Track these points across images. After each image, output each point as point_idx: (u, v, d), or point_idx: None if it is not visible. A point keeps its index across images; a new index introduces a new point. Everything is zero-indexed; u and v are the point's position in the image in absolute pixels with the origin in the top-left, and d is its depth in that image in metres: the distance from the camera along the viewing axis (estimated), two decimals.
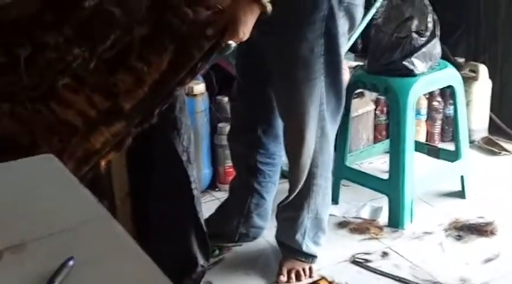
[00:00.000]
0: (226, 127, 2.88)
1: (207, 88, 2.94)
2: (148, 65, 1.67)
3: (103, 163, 1.68)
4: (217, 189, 3.01)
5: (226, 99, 2.98)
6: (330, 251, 2.42)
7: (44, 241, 0.90)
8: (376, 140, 3.28)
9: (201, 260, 2.03)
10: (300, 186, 2.25)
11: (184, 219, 1.98)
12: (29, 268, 0.83)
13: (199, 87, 2.85)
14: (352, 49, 3.26)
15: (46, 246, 0.89)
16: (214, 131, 2.99)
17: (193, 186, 1.96)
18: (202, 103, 2.88)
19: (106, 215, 0.97)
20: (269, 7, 1.75)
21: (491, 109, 3.46)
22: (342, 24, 2.04)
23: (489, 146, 3.36)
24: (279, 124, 2.31)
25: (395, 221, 2.62)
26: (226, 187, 2.85)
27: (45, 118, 1.64)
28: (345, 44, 2.14)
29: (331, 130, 2.22)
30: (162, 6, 1.74)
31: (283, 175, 2.59)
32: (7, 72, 1.67)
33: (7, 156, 1.54)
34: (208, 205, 2.65)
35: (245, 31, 1.73)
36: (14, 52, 1.70)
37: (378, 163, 3.10)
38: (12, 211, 0.97)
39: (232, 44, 1.73)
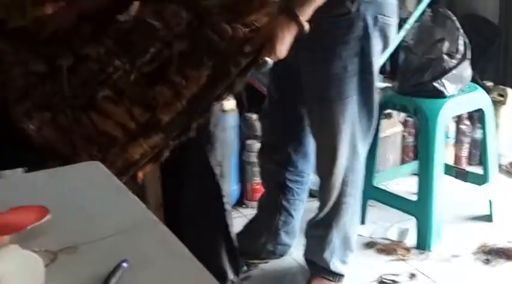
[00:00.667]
0: (254, 144, 2.91)
1: (237, 104, 2.97)
2: (186, 79, 1.71)
3: (141, 174, 1.71)
4: (244, 206, 3.02)
5: (255, 116, 3.00)
6: (356, 271, 2.41)
7: (96, 244, 0.93)
8: (403, 161, 3.28)
9: (230, 275, 2.05)
10: (330, 204, 2.26)
11: (216, 233, 2.00)
12: (82, 270, 0.86)
13: (229, 103, 2.87)
14: (381, 70, 3.25)
15: (97, 249, 0.92)
16: (242, 148, 3.01)
17: (225, 200, 1.98)
18: (232, 120, 2.90)
19: (154, 220, 1.00)
20: (306, 26, 1.79)
21: None
22: (376, 43, 2.06)
23: None
24: (309, 142, 2.33)
25: (423, 243, 2.61)
26: (254, 204, 2.87)
27: (85, 128, 1.69)
28: (378, 63, 2.15)
29: (362, 149, 2.23)
30: (202, 22, 1.78)
31: (310, 194, 2.60)
32: (50, 82, 1.72)
33: (48, 163, 1.60)
34: (235, 222, 2.63)
35: (282, 49, 1.75)
36: (56, 63, 1.75)
37: (404, 185, 3.08)
38: (63, 214, 1.00)
39: (269, 61, 1.75)
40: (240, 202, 3.04)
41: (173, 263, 0.89)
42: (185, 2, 1.84)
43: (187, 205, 1.96)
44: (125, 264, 0.85)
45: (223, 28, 1.74)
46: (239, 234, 2.46)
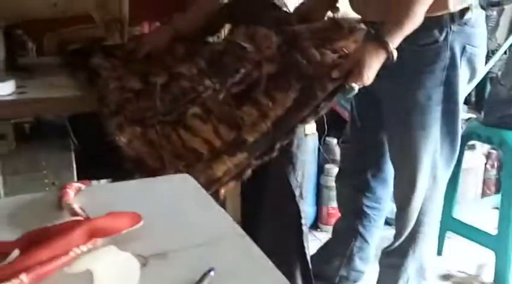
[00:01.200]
0: (333, 169, 2.93)
1: (317, 128, 3.00)
2: (273, 101, 1.74)
3: (223, 191, 1.75)
4: (319, 229, 3.04)
5: (335, 141, 3.03)
6: None
7: (184, 252, 0.96)
8: (484, 194, 3.22)
9: None
10: (406, 233, 2.24)
11: (292, 253, 2.02)
12: (171, 275, 0.89)
13: (309, 126, 2.90)
14: (466, 101, 3.23)
15: (186, 257, 0.95)
16: (320, 171, 3.04)
17: (303, 221, 2.00)
18: (311, 143, 2.93)
19: (242, 233, 1.04)
20: (395, 53, 1.79)
21: None
22: (463, 74, 2.04)
23: None
24: (389, 169, 2.31)
25: (501, 279, 2.56)
26: (328, 228, 2.88)
27: (173, 144, 1.73)
28: (464, 93, 2.13)
29: (443, 179, 2.20)
30: (291, 46, 1.82)
31: (386, 221, 2.58)
32: (143, 98, 1.78)
33: (136, 175, 1.67)
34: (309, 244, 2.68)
35: (369, 75, 1.77)
36: (150, 80, 1.82)
37: (484, 218, 3.02)
38: (155, 222, 1.03)
39: (356, 86, 1.76)
40: (314, 226, 3.06)
41: (257, 275, 0.92)
42: (276, 27, 1.90)
43: (265, 223, 1.99)
44: (211, 273, 0.88)
45: (312, 53, 1.77)
46: (313, 257, 2.46)
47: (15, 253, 0.92)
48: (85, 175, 1.81)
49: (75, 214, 1.06)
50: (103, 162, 1.93)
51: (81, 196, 1.15)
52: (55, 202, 1.13)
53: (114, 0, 2.01)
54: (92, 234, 0.97)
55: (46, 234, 0.96)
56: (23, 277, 0.86)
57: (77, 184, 1.18)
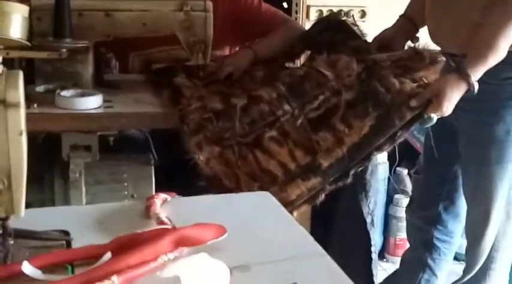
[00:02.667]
0: (402, 199, 2.91)
1: (388, 157, 2.98)
2: (349, 127, 1.75)
3: (295, 214, 1.77)
4: (385, 260, 3.01)
5: (405, 171, 3.01)
6: None
7: (267, 265, 1.00)
8: None
9: None
10: (476, 269, 2.21)
11: (360, 281, 2.02)
12: None
13: (381, 155, 2.89)
14: None
15: (268, 271, 0.99)
16: (389, 201, 3.02)
17: (372, 249, 2.01)
18: (381, 172, 2.92)
19: (322, 252, 1.06)
20: (476, 86, 1.80)
21: None
22: None
23: None
24: (462, 203, 2.27)
25: None
26: (395, 259, 2.86)
27: (250, 165, 1.76)
28: None
29: None
30: (371, 74, 1.83)
31: (454, 257, 2.54)
32: (223, 119, 1.80)
33: (211, 193, 1.70)
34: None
35: (449, 106, 1.77)
36: (230, 101, 1.86)
37: None
38: (237, 235, 1.07)
39: (434, 117, 1.77)
40: (380, 256, 3.02)
41: None
42: (357, 55, 1.92)
43: (334, 249, 2.00)
44: None
45: (391, 81, 1.79)
46: None
47: (107, 255, 0.97)
48: (159, 189, 1.86)
49: (162, 223, 1.11)
50: (178, 178, 1.97)
51: (167, 206, 1.20)
52: (142, 211, 1.18)
53: (199, 23, 2.06)
54: (179, 243, 1.01)
55: (136, 240, 1.01)
56: (114, 278, 0.91)
57: (163, 195, 1.23)
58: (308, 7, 3.08)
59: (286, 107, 1.82)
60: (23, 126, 0.91)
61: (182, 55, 2.16)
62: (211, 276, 0.90)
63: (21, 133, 0.91)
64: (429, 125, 1.83)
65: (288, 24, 2.40)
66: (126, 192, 1.89)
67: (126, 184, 1.89)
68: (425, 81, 1.83)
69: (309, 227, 2.07)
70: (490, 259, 2.20)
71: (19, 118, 0.91)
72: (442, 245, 2.38)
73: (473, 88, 1.81)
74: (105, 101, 1.90)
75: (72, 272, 0.97)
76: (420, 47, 2.05)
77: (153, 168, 1.93)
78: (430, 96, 1.76)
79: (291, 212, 1.79)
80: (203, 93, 1.92)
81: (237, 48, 2.47)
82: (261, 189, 1.69)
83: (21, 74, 0.93)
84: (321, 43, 2.11)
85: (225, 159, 1.77)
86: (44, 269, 0.95)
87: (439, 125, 1.90)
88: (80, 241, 1.05)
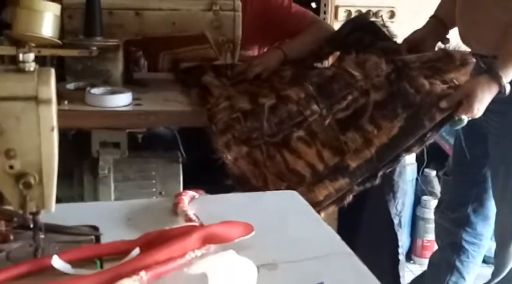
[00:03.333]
0: (430, 201, 2.89)
1: (416, 159, 2.97)
2: (378, 128, 1.75)
3: (322, 214, 1.76)
4: (412, 262, 2.99)
5: (434, 172, 2.99)
6: None
7: (294, 264, 1.00)
8: None
9: None
10: (505, 272, 2.19)
11: (386, 282, 2.01)
12: None
13: (409, 156, 2.87)
14: None
15: (296, 269, 0.99)
16: (417, 203, 3.00)
17: (400, 250, 1.99)
18: (409, 174, 2.90)
19: (350, 252, 1.06)
20: (508, 88, 1.78)
21: None
22: None
23: None
24: (491, 205, 2.25)
25: None
26: (421, 260, 2.84)
27: (277, 165, 1.76)
28: None
29: None
30: (400, 75, 1.82)
31: (483, 260, 2.52)
32: (251, 119, 1.81)
33: (239, 192, 1.70)
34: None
35: (480, 108, 1.75)
36: (259, 101, 1.86)
37: None
38: (265, 233, 1.07)
39: (465, 119, 1.75)
40: (407, 257, 3.00)
41: None
42: (387, 56, 1.91)
43: (361, 249, 1.98)
44: None
45: (421, 82, 1.78)
46: None
47: (136, 251, 0.98)
48: (186, 187, 1.87)
49: (189, 220, 1.12)
50: (205, 177, 1.98)
51: (194, 204, 1.21)
52: (170, 207, 1.19)
53: (228, 22, 2.06)
54: (207, 240, 1.02)
55: (164, 237, 1.01)
56: (143, 274, 0.92)
57: (191, 193, 1.24)
58: (336, 7, 3.07)
59: (314, 107, 1.82)
60: (54, 122, 0.93)
61: (211, 54, 2.17)
62: (238, 274, 0.90)
63: (52, 129, 0.93)
64: (459, 127, 1.81)
65: (317, 24, 2.40)
66: (154, 189, 1.90)
67: (154, 181, 1.90)
68: (456, 83, 1.82)
69: (336, 228, 2.06)
70: None
71: (51, 114, 0.92)
72: (470, 247, 2.36)
73: (505, 90, 1.79)
74: (134, 99, 1.91)
75: (101, 267, 0.98)
76: (450, 48, 2.04)
77: (181, 165, 1.94)
78: (461, 97, 1.74)
79: (318, 212, 1.79)
80: (231, 93, 1.93)
81: (265, 49, 2.47)
82: (289, 189, 1.69)
83: (53, 71, 0.94)
84: (350, 43, 2.10)
85: (252, 158, 1.77)
86: (73, 263, 0.96)
87: (469, 127, 1.88)
88: (108, 237, 1.06)
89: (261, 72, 2.13)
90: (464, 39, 2.07)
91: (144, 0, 2.10)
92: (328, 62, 2.45)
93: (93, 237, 1.07)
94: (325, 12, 3.02)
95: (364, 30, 2.21)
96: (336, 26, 2.59)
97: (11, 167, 0.92)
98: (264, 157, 1.77)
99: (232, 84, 2.02)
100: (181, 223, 1.11)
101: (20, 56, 0.95)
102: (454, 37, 2.13)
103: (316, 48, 2.25)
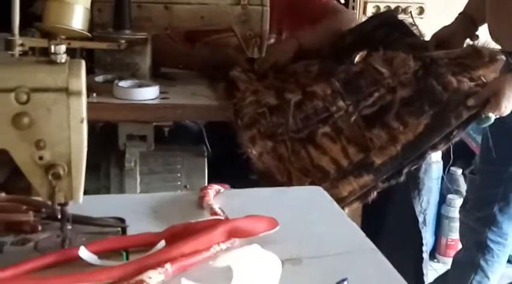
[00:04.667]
0: (456, 200, 2.87)
1: (442, 157, 2.94)
2: (404, 125, 1.74)
3: (346, 210, 1.76)
4: (435, 260, 2.98)
5: (460, 171, 2.96)
6: None
7: (318, 259, 1.00)
8: None
9: None
10: None
11: (410, 279, 2.00)
12: (306, 281, 0.94)
13: (435, 154, 2.84)
14: None
15: (320, 264, 0.99)
16: (442, 201, 2.98)
17: (424, 248, 1.99)
18: (435, 172, 2.88)
19: (374, 248, 1.06)
20: None
21: None
22: None
23: None
24: None
25: None
26: (445, 259, 2.82)
27: (302, 160, 1.76)
28: None
29: None
30: (428, 72, 1.81)
31: (508, 260, 2.50)
32: (276, 114, 1.81)
33: (263, 187, 1.70)
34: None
35: (508, 106, 1.73)
36: (285, 96, 1.86)
37: None
38: (289, 228, 1.08)
39: (492, 117, 1.74)
40: (431, 256, 2.99)
41: None
42: (414, 52, 1.90)
43: (385, 246, 1.98)
44: (345, 282, 0.91)
45: (448, 79, 1.76)
46: None
47: (161, 243, 0.99)
48: (211, 181, 1.87)
49: (214, 213, 1.12)
50: (230, 171, 1.99)
51: (219, 198, 1.21)
52: (195, 201, 1.20)
53: (256, 17, 2.07)
54: (231, 234, 1.02)
55: (189, 229, 1.02)
56: (168, 266, 0.92)
57: (216, 187, 1.25)
58: (365, 3, 3.06)
59: (341, 103, 1.82)
60: (84, 113, 0.93)
61: (235, 42, 2.16)
62: (262, 267, 0.90)
63: (82, 121, 0.93)
64: (486, 125, 1.80)
65: (338, 15, 2.35)
66: (179, 182, 1.91)
67: (179, 174, 1.91)
68: (484, 80, 1.80)
69: (360, 224, 2.06)
70: None
71: (81, 106, 0.92)
72: (495, 247, 2.34)
73: None
74: (161, 92, 1.92)
75: (127, 258, 0.99)
76: (479, 45, 2.01)
77: (206, 159, 1.95)
78: (489, 95, 1.73)
79: (342, 208, 1.78)
80: (258, 87, 1.93)
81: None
82: (313, 184, 1.69)
83: (83, 63, 0.95)
84: (377, 39, 2.08)
85: (277, 154, 1.77)
86: (100, 254, 0.96)
87: (496, 125, 1.87)
88: (134, 228, 1.07)
89: (275, 62, 2.11)
90: (493, 36, 2.05)
91: None
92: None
93: (119, 229, 1.08)
94: (353, 8, 3.01)
95: (392, 27, 2.19)
96: None
97: (41, 158, 0.93)
98: (288, 152, 1.77)
99: (258, 78, 2.02)
100: (206, 216, 1.12)
101: (52, 47, 0.96)
102: (483, 34, 2.11)
103: (337, 39, 2.22)
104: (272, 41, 2.35)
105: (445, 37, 2.10)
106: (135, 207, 1.16)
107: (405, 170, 1.75)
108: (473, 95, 1.73)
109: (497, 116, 1.75)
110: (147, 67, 2.05)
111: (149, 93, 1.88)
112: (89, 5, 1.24)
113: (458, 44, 2.08)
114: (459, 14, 2.16)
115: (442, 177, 2.96)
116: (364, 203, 1.80)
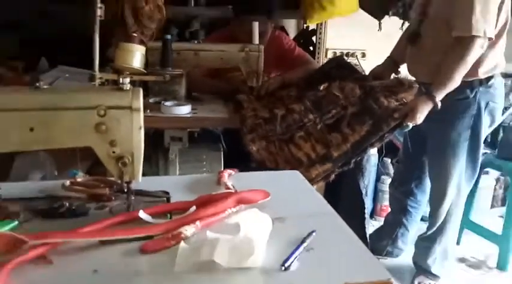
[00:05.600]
0: (386, 179, 2.84)
1: (378, 151, 2.93)
2: (353, 130, 1.72)
3: (314, 187, 1.73)
4: (374, 219, 2.95)
5: (389, 160, 2.95)
6: (449, 276, 2.28)
7: (296, 218, 1.00)
8: (492, 206, 3.03)
9: None
10: (436, 226, 2.17)
11: (357, 233, 1.99)
12: (288, 233, 0.93)
13: (373, 149, 2.82)
14: (484, 140, 3.06)
15: (297, 221, 0.99)
16: (377, 180, 2.96)
17: (365, 211, 1.97)
18: (373, 161, 2.87)
19: (333, 212, 1.05)
20: (439, 104, 1.76)
21: None
22: (485, 121, 1.97)
23: None
24: (427, 182, 2.24)
25: (502, 265, 2.42)
26: (380, 218, 2.80)
27: (285, 154, 1.74)
28: (484, 135, 2.04)
29: (465, 192, 2.12)
30: (368, 95, 1.80)
31: (421, 218, 2.50)
32: (268, 123, 1.81)
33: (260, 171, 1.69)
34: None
35: (420, 118, 1.74)
36: (274, 111, 1.85)
37: (492, 223, 2.79)
38: (276, 198, 1.07)
39: (410, 125, 1.74)
40: (371, 216, 2.97)
41: (343, 239, 0.94)
42: (358, 83, 1.90)
43: (340, 211, 1.97)
44: (313, 233, 0.92)
45: (381, 100, 1.76)
46: (369, 236, 2.43)
47: (193, 208, 0.99)
48: (226, 167, 1.86)
49: (228, 188, 1.12)
50: (238, 161, 1.98)
51: (231, 178, 1.21)
52: (215, 180, 1.20)
53: (254, 59, 2.06)
54: (239, 202, 1.03)
55: (211, 199, 1.02)
56: (198, 223, 0.93)
57: (229, 171, 1.24)
58: (327, 49, 3.06)
59: (311, 116, 1.81)
60: (141, 123, 0.94)
61: (243, 79, 2.14)
62: (260, 224, 0.91)
63: (140, 128, 0.94)
64: (406, 130, 1.80)
65: (308, 63, 2.36)
66: (204, 169, 1.90)
67: (204, 163, 1.90)
68: (405, 101, 1.79)
69: (323, 196, 2.05)
70: (445, 220, 2.16)
71: (139, 118, 0.93)
72: (413, 210, 2.36)
73: (437, 106, 1.78)
74: (192, 109, 1.91)
75: (170, 218, 0.99)
76: (401, 77, 2.02)
77: (222, 153, 1.94)
78: (408, 111, 1.73)
79: (311, 185, 1.77)
80: (256, 106, 1.92)
81: (274, 75, 2.43)
82: (292, 169, 1.67)
83: (141, 90, 0.95)
84: (333, 75, 2.08)
85: (269, 150, 1.76)
86: (152, 215, 0.97)
87: (413, 130, 1.87)
88: (175, 198, 1.07)
89: (268, 90, 2.10)
90: (410, 71, 2.06)
91: (200, 45, 2.11)
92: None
93: (165, 199, 1.09)
94: (318, 53, 3.00)
95: (343, 66, 2.19)
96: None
97: (113, 152, 0.94)
98: (276, 149, 1.76)
99: (256, 100, 2.01)
100: (222, 190, 1.12)
101: (120, 79, 0.96)
102: (403, 70, 2.12)
103: (309, 76, 2.20)
104: (266, 78, 2.35)
105: (379, 73, 2.10)
106: (175, 184, 1.16)
107: (353, 160, 1.73)
108: (398, 111, 1.72)
109: (413, 124, 1.76)
110: (183, 92, 2.04)
111: (184, 110, 1.88)
112: (144, 51, 1.24)
113: (387, 77, 2.08)
114: (387, 57, 2.16)
115: (378, 164, 2.96)
116: (326, 182, 1.79)
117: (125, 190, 1.00)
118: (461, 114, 1.95)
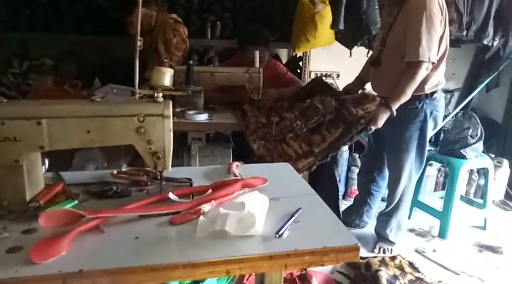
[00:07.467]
0: (355, 169, 2.83)
1: (349, 148, 2.92)
2: (329, 133, 1.73)
3: (301, 175, 1.71)
4: (345, 199, 2.93)
5: (358, 155, 2.93)
6: (403, 242, 2.27)
7: (287, 198, 1.00)
8: (435, 190, 3.03)
9: None
10: (392, 205, 2.16)
11: (333, 209, 1.99)
12: (281, 209, 0.94)
13: (345, 147, 2.81)
14: (429, 140, 3.05)
15: (288, 200, 0.99)
16: (348, 170, 2.94)
17: (339, 193, 1.98)
18: (345, 155, 2.85)
19: (314, 193, 1.05)
20: (395, 113, 1.76)
21: (508, 184, 3.06)
22: (430, 126, 1.96)
23: (503, 205, 2.96)
24: (386, 172, 2.21)
25: (442, 234, 2.40)
26: (351, 199, 2.77)
27: (278, 151, 1.75)
28: (429, 136, 2.03)
29: (415, 179, 2.10)
30: (342, 106, 1.80)
31: (382, 199, 2.50)
32: (266, 127, 1.79)
33: (259, 163, 1.68)
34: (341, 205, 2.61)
35: (381, 123, 1.74)
36: (270, 118, 1.85)
37: (435, 202, 2.78)
38: (272, 184, 1.08)
39: (373, 128, 1.74)
40: (343, 197, 2.96)
41: (323, 213, 0.94)
42: (334, 97, 1.90)
43: (320, 193, 1.97)
44: (300, 210, 0.93)
45: (351, 110, 1.76)
46: (342, 212, 2.44)
47: (209, 191, 0.99)
48: (234, 160, 1.85)
49: (235, 176, 1.12)
50: (243, 156, 1.98)
51: (238, 168, 1.21)
52: (225, 170, 1.20)
53: (256, 79, 2.06)
54: (245, 186, 1.03)
55: (223, 184, 1.03)
56: (213, 202, 0.93)
57: (236, 163, 1.24)
58: (310, 71, 3.05)
59: (298, 122, 1.81)
60: (171, 127, 0.94)
61: (247, 94, 2.15)
62: (260, 202, 0.91)
63: (170, 130, 0.94)
64: (370, 132, 1.80)
65: (297, 83, 2.37)
66: (218, 162, 1.90)
67: (218, 157, 1.90)
68: (369, 110, 1.79)
69: (307, 181, 2.04)
70: (399, 201, 2.15)
71: (169, 123, 0.93)
72: (375, 193, 2.34)
73: (394, 114, 1.78)
74: (209, 117, 1.90)
75: (192, 198, 0.99)
76: (367, 92, 2.01)
77: (231, 150, 1.94)
78: (371, 118, 1.73)
79: (298, 174, 1.78)
80: (257, 114, 1.92)
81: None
82: (284, 162, 1.67)
83: (170, 102, 0.95)
84: (315, 91, 2.08)
85: (266, 147, 1.77)
86: (179, 196, 0.97)
87: (375, 132, 1.87)
88: (196, 183, 1.07)
89: (267, 102, 2.10)
90: (373, 88, 2.05)
91: (214, 68, 2.11)
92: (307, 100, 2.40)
93: (189, 184, 1.09)
94: (304, 74, 3.00)
95: (322, 84, 2.19)
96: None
97: (150, 149, 0.94)
98: (272, 146, 1.76)
99: (257, 109, 2.01)
100: (231, 177, 1.12)
101: (155, 94, 0.97)
102: (368, 87, 2.12)
103: (296, 93, 2.21)
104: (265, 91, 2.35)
105: (349, 89, 2.09)
106: (196, 173, 1.16)
107: (330, 155, 1.74)
108: (364, 118, 1.73)
109: (376, 128, 1.76)
110: (202, 104, 2.04)
111: (203, 117, 1.87)
112: (172, 73, 1.25)
113: (356, 92, 2.08)
114: (356, 77, 2.16)
115: (349, 158, 2.95)
116: (310, 172, 1.79)
117: (158, 177, 1.01)
118: (412, 120, 1.94)
